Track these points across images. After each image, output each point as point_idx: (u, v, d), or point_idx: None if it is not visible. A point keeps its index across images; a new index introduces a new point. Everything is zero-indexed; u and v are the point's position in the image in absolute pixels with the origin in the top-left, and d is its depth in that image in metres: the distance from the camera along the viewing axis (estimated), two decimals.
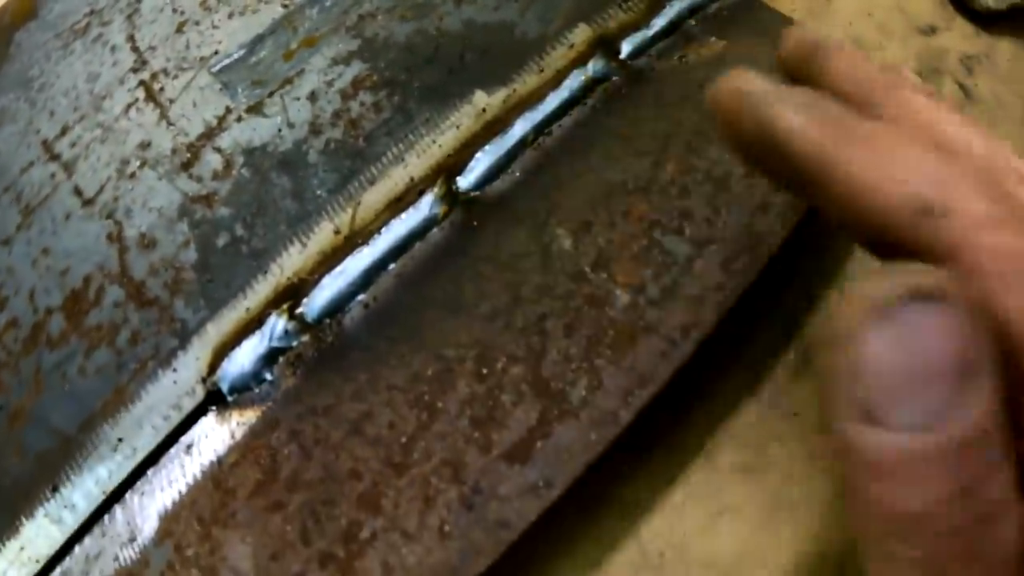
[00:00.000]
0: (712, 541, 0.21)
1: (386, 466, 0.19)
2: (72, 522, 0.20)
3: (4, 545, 0.21)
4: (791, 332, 0.24)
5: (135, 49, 0.25)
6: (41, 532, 0.21)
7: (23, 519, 0.21)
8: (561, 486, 0.18)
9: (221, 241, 0.22)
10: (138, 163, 0.23)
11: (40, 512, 0.21)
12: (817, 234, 0.25)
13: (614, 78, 0.24)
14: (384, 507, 0.18)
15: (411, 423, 0.19)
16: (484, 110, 0.23)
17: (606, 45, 0.25)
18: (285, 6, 0.25)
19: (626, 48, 0.25)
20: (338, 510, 0.19)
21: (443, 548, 0.18)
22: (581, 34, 0.25)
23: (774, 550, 0.21)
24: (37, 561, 0.20)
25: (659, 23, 0.26)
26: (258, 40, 0.24)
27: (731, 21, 0.26)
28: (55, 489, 0.21)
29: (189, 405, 0.21)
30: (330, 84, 0.23)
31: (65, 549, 0.20)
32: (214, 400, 0.21)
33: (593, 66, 0.24)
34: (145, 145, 0.23)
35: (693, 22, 0.26)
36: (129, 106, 0.24)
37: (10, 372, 0.23)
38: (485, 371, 0.20)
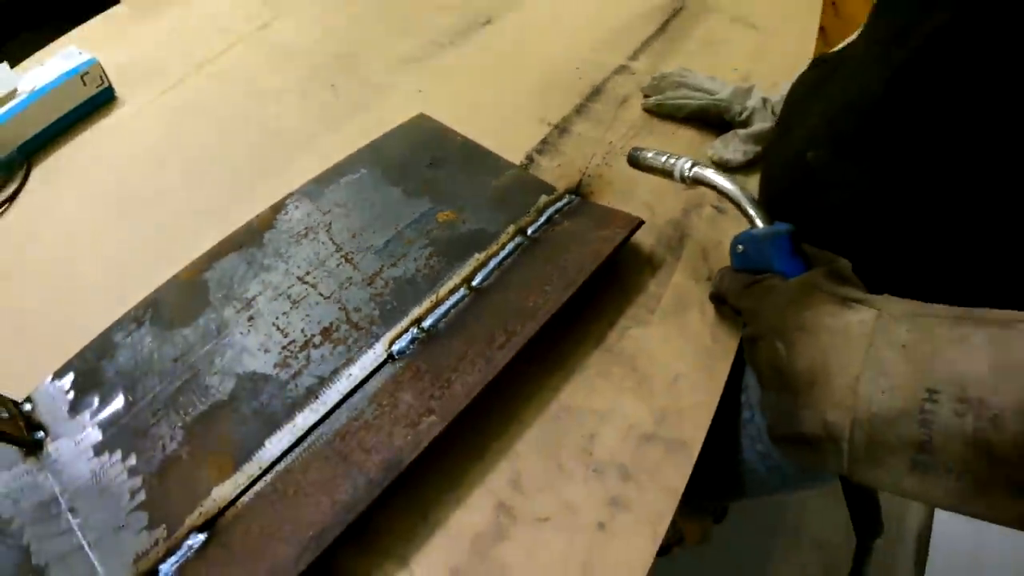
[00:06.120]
0: None
1: None
2: None
3: None
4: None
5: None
6: None
7: None
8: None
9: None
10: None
11: None
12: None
13: (526, 243, 0.64)
14: None
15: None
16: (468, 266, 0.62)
17: (523, 230, 0.65)
18: None
19: (530, 230, 0.65)
20: None
21: None
22: (512, 228, 0.65)
23: None
24: None
25: (543, 219, 0.66)
26: None
27: (576, 211, 0.68)
28: None
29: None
30: None
31: None
32: None
33: (517, 240, 0.64)
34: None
35: (558, 216, 0.67)
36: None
37: None
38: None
